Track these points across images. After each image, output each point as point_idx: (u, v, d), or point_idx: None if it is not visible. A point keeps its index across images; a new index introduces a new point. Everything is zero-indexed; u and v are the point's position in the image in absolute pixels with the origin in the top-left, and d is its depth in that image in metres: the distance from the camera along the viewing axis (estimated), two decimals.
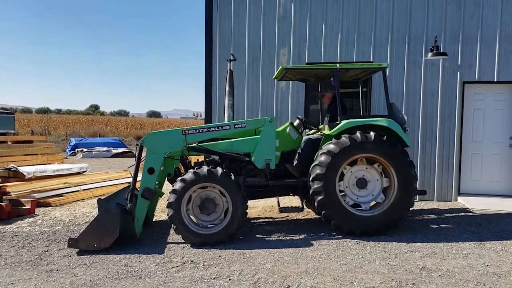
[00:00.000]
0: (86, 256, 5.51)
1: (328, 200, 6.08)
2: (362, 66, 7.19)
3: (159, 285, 4.54)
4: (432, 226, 6.75)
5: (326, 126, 6.51)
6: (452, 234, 6.25)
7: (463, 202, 8.41)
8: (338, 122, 6.40)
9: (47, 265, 5.23)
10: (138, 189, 6.27)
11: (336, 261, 5.19)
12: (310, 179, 6.20)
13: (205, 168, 5.99)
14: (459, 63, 8.72)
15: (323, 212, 6.15)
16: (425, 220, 7.10)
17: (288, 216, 7.63)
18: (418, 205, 8.39)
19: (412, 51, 8.91)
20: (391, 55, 8.98)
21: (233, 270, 4.93)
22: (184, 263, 5.23)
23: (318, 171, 6.11)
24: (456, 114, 8.80)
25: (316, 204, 6.17)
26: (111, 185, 11.38)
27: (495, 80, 8.62)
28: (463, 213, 7.57)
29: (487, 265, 4.98)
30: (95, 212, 8.22)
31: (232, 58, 7.71)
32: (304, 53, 9.33)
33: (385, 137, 6.16)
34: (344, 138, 6.13)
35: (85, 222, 7.40)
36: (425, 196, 8.47)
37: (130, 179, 12.65)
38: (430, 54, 8.31)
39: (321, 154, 6.18)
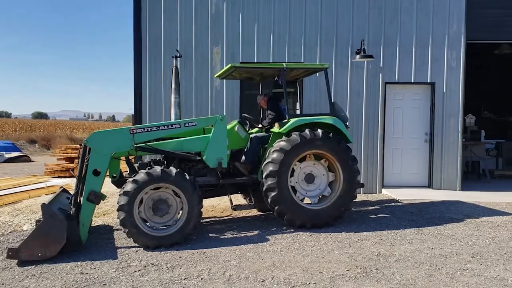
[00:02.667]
0: (29, 267, 5.07)
1: (281, 196, 6.25)
2: (306, 66, 7.49)
3: None
4: (370, 216, 7.26)
5: (277, 124, 6.67)
6: (392, 223, 6.78)
7: (388, 193, 9.13)
8: (287, 120, 6.60)
9: None
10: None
11: (297, 253, 5.37)
12: (264, 176, 6.32)
13: (158, 168, 5.81)
14: (381, 65, 9.45)
15: (276, 207, 6.31)
16: (362, 211, 7.61)
17: (231, 214, 7.67)
18: None
19: (339, 53, 9.46)
20: (320, 56, 9.44)
21: (200, 270, 4.88)
22: (145, 266, 5.05)
23: (271, 168, 6.25)
24: (379, 112, 9.52)
25: (269, 200, 6.31)
26: (22, 191, 10.48)
27: (412, 81, 9.49)
28: (393, 203, 8.23)
29: (432, 248, 5.51)
30: (17, 220, 7.57)
31: (177, 55, 7.56)
32: (238, 52, 9.44)
33: (331, 134, 6.50)
34: (295, 136, 6.35)
35: (10, 232, 6.77)
36: None
37: (41, 185, 11.91)
38: (358, 56, 8.90)
39: (273, 151, 6.33)
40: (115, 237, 6.36)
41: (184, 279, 4.61)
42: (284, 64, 6.72)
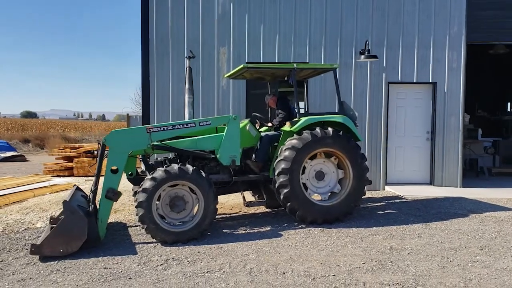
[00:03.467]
0: (52, 262, 5.21)
1: (293, 193, 6.43)
2: (316, 66, 7.67)
3: (156, 283, 4.52)
4: (378, 212, 7.47)
5: (288, 123, 6.85)
6: (399, 218, 7.00)
7: (392, 190, 9.36)
8: (297, 119, 6.79)
9: (13, 274, 4.86)
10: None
11: (313, 248, 5.56)
12: (276, 173, 6.50)
13: (175, 166, 5.97)
14: (384, 65, 9.67)
15: (288, 204, 6.49)
16: (369, 208, 7.82)
17: (240, 211, 7.84)
18: None
19: (344, 54, 9.67)
20: (325, 57, 9.64)
21: (221, 263, 5.04)
22: (167, 260, 5.21)
23: (283, 166, 6.43)
24: (382, 111, 9.75)
25: (282, 197, 6.49)
26: (26, 190, 10.58)
27: (414, 81, 9.73)
28: (398, 200, 8.46)
29: (441, 242, 5.73)
30: (29, 218, 7.68)
31: (191, 55, 7.71)
32: (244, 53, 9.62)
33: (341, 132, 6.70)
34: (306, 134, 6.53)
35: (24, 229, 6.88)
36: None
37: (45, 184, 12.01)
38: (362, 56, 9.11)
39: (285, 149, 6.52)
40: (131, 233, 6.51)
41: (207, 272, 4.78)
42: (295, 64, 6.90)
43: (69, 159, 15.29)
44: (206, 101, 9.62)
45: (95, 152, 6.86)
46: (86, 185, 11.38)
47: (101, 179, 6.10)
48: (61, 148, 16.27)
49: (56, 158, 15.90)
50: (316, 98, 9.53)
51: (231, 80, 9.47)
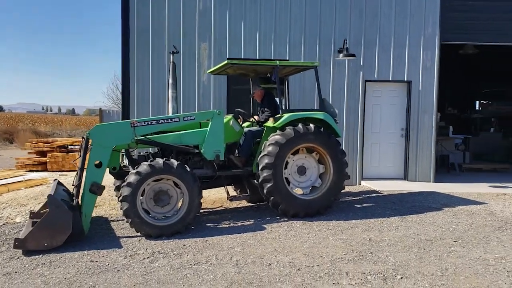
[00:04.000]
0: (37, 256, 5.21)
1: (276, 187, 6.59)
2: (298, 64, 7.84)
3: (144, 275, 4.59)
4: (356, 206, 7.72)
5: (271, 119, 6.99)
6: (377, 211, 7.25)
7: (368, 185, 9.64)
8: (280, 115, 6.94)
9: None
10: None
11: (296, 240, 5.74)
12: (260, 168, 6.64)
13: (160, 161, 6.03)
14: (361, 63, 9.93)
15: (271, 198, 6.64)
16: (348, 201, 8.06)
17: (222, 205, 7.95)
18: None
19: (322, 52, 9.88)
20: (305, 55, 9.83)
21: (207, 256, 5.16)
22: (153, 253, 5.28)
23: (267, 161, 6.58)
24: (359, 108, 10.02)
25: (265, 191, 6.64)
26: (1, 185, 10.39)
27: (390, 79, 10.03)
28: (374, 194, 8.74)
29: (417, 234, 6.00)
30: (7, 213, 7.58)
31: (174, 50, 7.74)
32: (225, 49, 9.70)
33: (322, 128, 6.89)
34: (289, 130, 6.69)
35: (3, 224, 6.83)
36: None
37: (19, 178, 11.82)
38: (341, 55, 9.34)
39: (268, 145, 6.66)
40: (114, 227, 6.53)
41: (194, 265, 4.88)
42: (277, 61, 7.05)
43: (42, 153, 15.05)
44: (187, 96, 9.66)
45: (79, 146, 6.84)
46: (61, 179, 11.28)
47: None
48: (33, 142, 15.98)
49: (29, 153, 15.62)
50: (295, 95, 9.70)
51: (212, 75, 9.53)
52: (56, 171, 13.95)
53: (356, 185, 9.97)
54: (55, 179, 7.54)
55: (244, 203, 8.05)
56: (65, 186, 7.16)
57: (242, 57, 9.64)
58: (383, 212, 7.19)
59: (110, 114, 27.83)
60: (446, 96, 16.20)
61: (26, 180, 11.31)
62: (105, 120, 26.81)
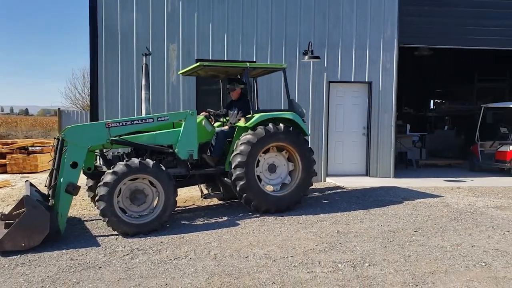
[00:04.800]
0: (14, 256, 5.24)
1: (249, 185, 6.87)
2: (267, 65, 8.16)
3: (126, 271, 4.76)
4: (323, 201, 8.12)
5: (242, 119, 7.26)
6: (342, 206, 7.67)
7: (332, 181, 10.09)
8: (251, 116, 7.21)
9: None
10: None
11: (269, 234, 6.04)
12: (232, 166, 6.89)
13: (136, 160, 6.18)
14: (325, 65, 10.37)
15: (244, 195, 6.92)
16: (315, 197, 8.45)
17: (194, 204, 8.15)
18: None
19: (288, 54, 10.24)
20: (271, 56, 10.16)
21: (186, 251, 5.37)
22: (132, 250, 5.43)
23: (239, 159, 6.85)
24: (323, 108, 10.45)
25: (238, 188, 6.90)
26: None
27: (352, 80, 10.53)
28: (339, 190, 9.18)
29: (381, 225, 6.44)
30: None
31: (147, 52, 7.86)
32: (194, 50, 9.89)
33: (291, 128, 7.23)
34: (260, 129, 6.99)
35: None
36: None
37: None
38: (306, 57, 9.73)
39: (241, 144, 6.93)
40: (88, 227, 6.62)
41: (174, 260, 5.08)
42: (247, 63, 7.33)
43: (1, 155, 14.62)
44: (156, 96, 9.77)
45: (52, 147, 6.87)
46: (21, 182, 11.15)
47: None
48: None
49: None
50: (263, 96, 9.99)
51: (181, 76, 9.69)
52: (17, 173, 13.62)
53: (321, 181, 10.39)
54: (26, 180, 7.51)
55: (215, 201, 8.28)
56: (36, 187, 7.16)
57: (210, 57, 9.86)
58: (348, 206, 7.62)
59: (70, 115, 27.29)
60: (402, 96, 16.97)
61: None
62: (64, 121, 26.32)
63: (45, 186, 6.47)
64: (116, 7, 9.59)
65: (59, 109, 27.94)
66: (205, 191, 8.34)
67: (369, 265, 4.81)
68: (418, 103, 19.75)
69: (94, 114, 9.54)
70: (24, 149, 14.66)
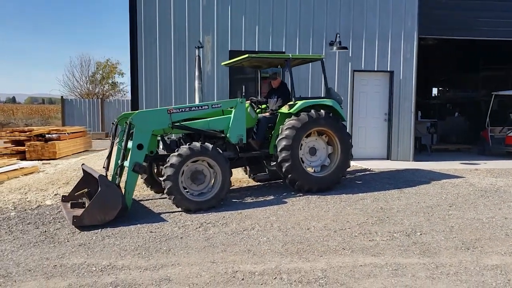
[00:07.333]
0: (96, 230, 5.75)
1: (293, 166, 7.50)
2: (307, 56, 8.71)
3: (207, 239, 5.36)
4: (357, 182, 8.77)
5: (286, 106, 7.85)
6: (376, 186, 8.33)
7: (358, 164, 10.75)
8: (294, 102, 7.81)
9: (68, 241, 5.41)
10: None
11: (319, 210, 6.67)
12: (278, 149, 7.50)
13: (197, 144, 6.78)
14: (350, 55, 10.97)
15: (289, 175, 7.55)
16: (349, 178, 9.10)
17: (234, 185, 8.75)
18: None
19: (315, 44, 10.82)
20: (299, 47, 10.74)
21: (251, 224, 5.98)
22: (202, 224, 6.01)
23: (285, 143, 7.46)
24: (348, 96, 11.08)
25: (283, 169, 7.53)
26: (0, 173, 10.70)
27: (375, 69, 11.15)
28: (368, 172, 9.84)
29: (418, 202, 7.11)
30: (31, 197, 8.02)
31: (199, 45, 8.39)
32: (227, 41, 10.44)
33: (331, 113, 7.85)
34: (303, 115, 7.59)
35: (37, 207, 7.27)
36: None
37: (14, 166, 12.10)
38: (334, 47, 10.32)
39: (286, 128, 7.53)
40: (148, 206, 7.20)
41: (244, 231, 5.69)
42: (290, 55, 7.91)
43: (18, 142, 15.04)
44: (192, 85, 10.29)
45: (110, 131, 7.39)
46: (45, 167, 11.67)
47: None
48: (8, 131, 15.93)
49: (5, 142, 15.58)
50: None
51: (215, 66, 10.26)
52: (35, 160, 14.04)
53: None
54: (83, 164, 8.08)
55: (253, 183, 8.88)
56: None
57: (242, 49, 10.41)
58: (382, 186, 8.28)
59: (73, 102, 27.66)
60: None
61: (21, 168, 11.60)
62: (67, 108, 26.70)
63: (103, 167, 7.05)
64: (154, 1, 10.08)
65: (62, 97, 28.30)
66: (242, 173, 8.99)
67: (421, 234, 5.47)
68: (424, 90, 20.42)
69: (134, 103, 10.07)
70: (41, 136, 15.07)
